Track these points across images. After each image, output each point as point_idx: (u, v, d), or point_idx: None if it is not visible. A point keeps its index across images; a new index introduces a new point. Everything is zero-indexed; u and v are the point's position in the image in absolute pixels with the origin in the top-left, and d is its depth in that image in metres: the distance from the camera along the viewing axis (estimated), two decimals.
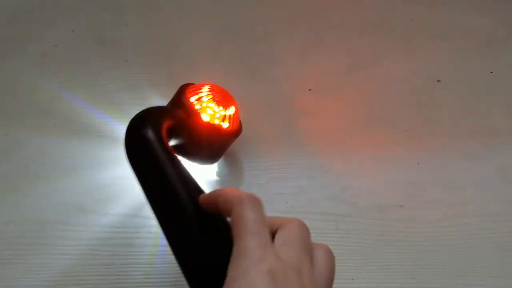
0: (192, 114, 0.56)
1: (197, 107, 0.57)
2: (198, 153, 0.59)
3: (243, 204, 0.33)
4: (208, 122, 0.57)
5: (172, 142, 0.54)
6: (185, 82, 0.61)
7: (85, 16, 1.01)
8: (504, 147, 0.74)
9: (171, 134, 0.52)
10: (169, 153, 0.42)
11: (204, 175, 0.70)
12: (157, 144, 0.42)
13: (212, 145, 0.59)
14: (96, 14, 1.01)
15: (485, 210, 0.66)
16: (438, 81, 0.84)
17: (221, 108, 0.59)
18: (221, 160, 0.69)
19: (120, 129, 0.76)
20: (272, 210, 0.65)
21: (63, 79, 0.86)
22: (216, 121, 0.58)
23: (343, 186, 0.68)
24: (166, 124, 0.48)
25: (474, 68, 0.86)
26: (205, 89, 0.60)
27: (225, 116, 0.59)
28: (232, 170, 0.71)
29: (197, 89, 0.59)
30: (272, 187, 0.68)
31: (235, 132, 0.62)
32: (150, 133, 0.43)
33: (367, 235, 0.62)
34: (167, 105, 0.59)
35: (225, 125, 0.59)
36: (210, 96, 0.59)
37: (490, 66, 0.86)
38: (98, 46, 0.94)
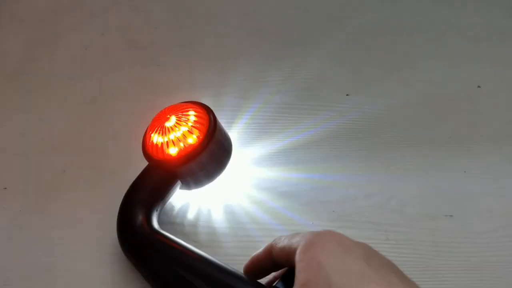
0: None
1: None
2: (192, 181, 0.58)
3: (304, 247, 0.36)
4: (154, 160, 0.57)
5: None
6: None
7: (115, 18, 1.00)
8: None
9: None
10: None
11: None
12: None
13: (191, 173, 0.57)
14: (126, 17, 1.00)
15: None
16: (479, 86, 0.82)
17: (158, 136, 0.57)
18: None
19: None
20: (318, 219, 0.64)
21: (95, 82, 0.85)
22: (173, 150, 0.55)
23: (389, 195, 0.66)
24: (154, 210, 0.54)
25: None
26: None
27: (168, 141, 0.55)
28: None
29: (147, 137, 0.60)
30: (317, 195, 0.66)
31: (189, 155, 0.54)
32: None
33: (419, 245, 0.60)
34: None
35: (172, 150, 0.55)
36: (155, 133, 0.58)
37: None
38: (128, 49, 0.92)
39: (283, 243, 0.40)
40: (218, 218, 0.63)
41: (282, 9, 1.01)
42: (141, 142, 0.60)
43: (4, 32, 0.98)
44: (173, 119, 0.56)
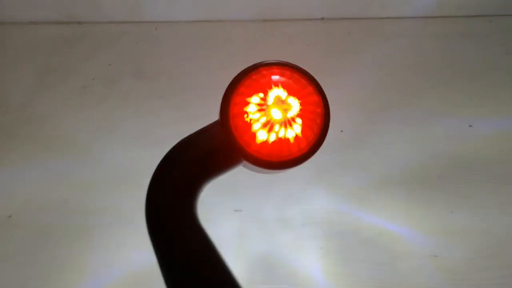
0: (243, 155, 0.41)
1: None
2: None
3: None
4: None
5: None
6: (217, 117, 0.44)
7: (122, 49, 1.04)
8: None
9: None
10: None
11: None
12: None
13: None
14: (133, 48, 1.05)
15: None
16: (470, 126, 0.84)
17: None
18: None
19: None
20: (306, 253, 0.66)
21: (102, 112, 0.89)
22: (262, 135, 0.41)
23: (378, 232, 0.69)
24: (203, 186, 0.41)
25: (505, 112, 0.87)
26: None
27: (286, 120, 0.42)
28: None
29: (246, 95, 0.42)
30: (307, 230, 0.69)
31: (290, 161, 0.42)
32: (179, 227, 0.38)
33: (398, 285, 0.62)
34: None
35: (262, 136, 0.42)
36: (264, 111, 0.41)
37: None
38: (134, 80, 0.96)
39: None
40: None
41: None
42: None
43: (17, 60, 1.02)
44: (295, 106, 0.42)
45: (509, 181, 0.75)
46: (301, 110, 0.42)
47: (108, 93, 0.93)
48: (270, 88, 0.42)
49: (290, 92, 0.42)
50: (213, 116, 0.44)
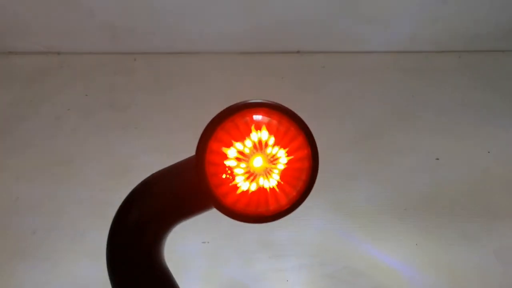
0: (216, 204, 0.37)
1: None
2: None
3: None
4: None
5: None
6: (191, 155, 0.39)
7: (98, 80, 1.05)
8: (503, 230, 0.75)
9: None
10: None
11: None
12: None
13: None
14: (109, 79, 1.06)
15: None
16: (437, 159, 0.86)
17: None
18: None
19: None
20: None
21: (76, 143, 0.89)
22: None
23: (342, 266, 0.69)
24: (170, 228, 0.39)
25: (472, 147, 0.89)
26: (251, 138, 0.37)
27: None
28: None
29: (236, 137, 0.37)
30: (273, 263, 0.69)
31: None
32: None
33: None
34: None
35: (242, 186, 0.37)
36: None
37: (488, 145, 0.89)
38: (110, 110, 0.97)
39: None
40: None
41: None
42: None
43: None
44: (281, 157, 0.37)
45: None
46: (287, 163, 0.37)
47: (82, 123, 0.94)
48: (253, 131, 0.36)
49: (277, 140, 0.37)
50: (189, 150, 0.39)
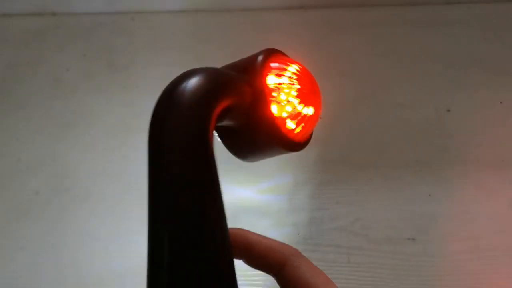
0: (262, 102, 0.37)
1: (273, 94, 0.38)
2: (240, 145, 0.40)
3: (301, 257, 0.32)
4: (275, 118, 0.38)
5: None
6: None
7: (97, 40, 1.02)
8: None
9: (221, 116, 0.34)
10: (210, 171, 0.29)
11: None
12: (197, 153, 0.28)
13: (263, 145, 0.39)
14: (107, 39, 1.02)
15: (498, 244, 0.65)
16: (448, 110, 0.84)
17: (300, 104, 0.39)
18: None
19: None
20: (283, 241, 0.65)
21: (76, 103, 0.87)
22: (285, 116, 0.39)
23: (354, 218, 0.68)
24: (222, 106, 0.33)
25: (484, 98, 0.86)
26: (292, 69, 0.40)
27: (299, 114, 0.39)
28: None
29: (281, 68, 0.39)
30: (283, 217, 0.68)
31: (300, 144, 0.40)
32: (192, 129, 0.29)
33: (379, 268, 0.62)
34: (231, 67, 0.40)
35: (292, 125, 0.39)
36: (294, 86, 0.39)
37: (500, 97, 0.86)
38: (109, 70, 0.94)
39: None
40: None
41: None
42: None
43: None
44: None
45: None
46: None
47: (82, 83, 0.91)
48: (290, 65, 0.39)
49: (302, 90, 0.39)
50: None
